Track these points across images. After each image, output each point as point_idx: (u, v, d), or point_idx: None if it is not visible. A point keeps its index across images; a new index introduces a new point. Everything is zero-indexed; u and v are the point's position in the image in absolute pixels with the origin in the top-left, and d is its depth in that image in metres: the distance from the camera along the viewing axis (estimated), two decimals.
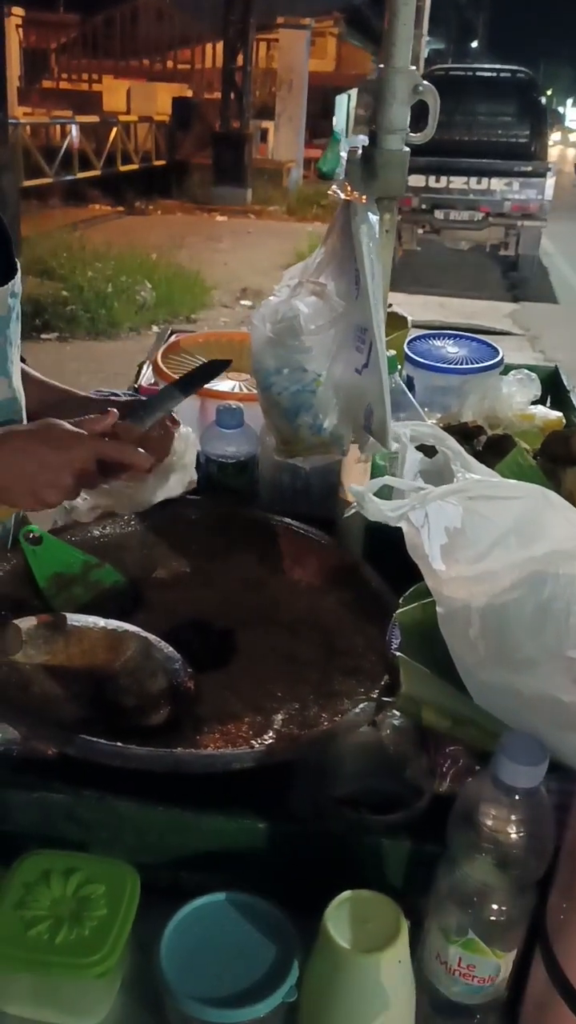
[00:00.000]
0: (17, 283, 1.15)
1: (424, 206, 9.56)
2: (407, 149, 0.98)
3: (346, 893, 0.77)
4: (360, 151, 0.98)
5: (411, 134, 0.98)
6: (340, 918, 0.75)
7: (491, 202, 9.53)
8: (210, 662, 1.03)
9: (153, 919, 0.80)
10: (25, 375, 1.23)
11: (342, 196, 0.93)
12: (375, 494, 0.83)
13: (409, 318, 1.65)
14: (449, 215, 9.69)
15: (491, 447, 1.21)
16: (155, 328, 7.22)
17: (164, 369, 1.44)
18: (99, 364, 6.16)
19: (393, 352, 1.33)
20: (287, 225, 12.33)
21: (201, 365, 1.15)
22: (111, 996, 0.79)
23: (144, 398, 1.05)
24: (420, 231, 9.98)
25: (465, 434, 1.25)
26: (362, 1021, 0.74)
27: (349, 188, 0.94)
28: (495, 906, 0.74)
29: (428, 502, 0.81)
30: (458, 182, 9.46)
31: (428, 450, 1.09)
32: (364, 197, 0.93)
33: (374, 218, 0.95)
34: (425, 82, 0.96)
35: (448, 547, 0.87)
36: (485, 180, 9.47)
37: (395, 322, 1.65)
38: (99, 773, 0.86)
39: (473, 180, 9.48)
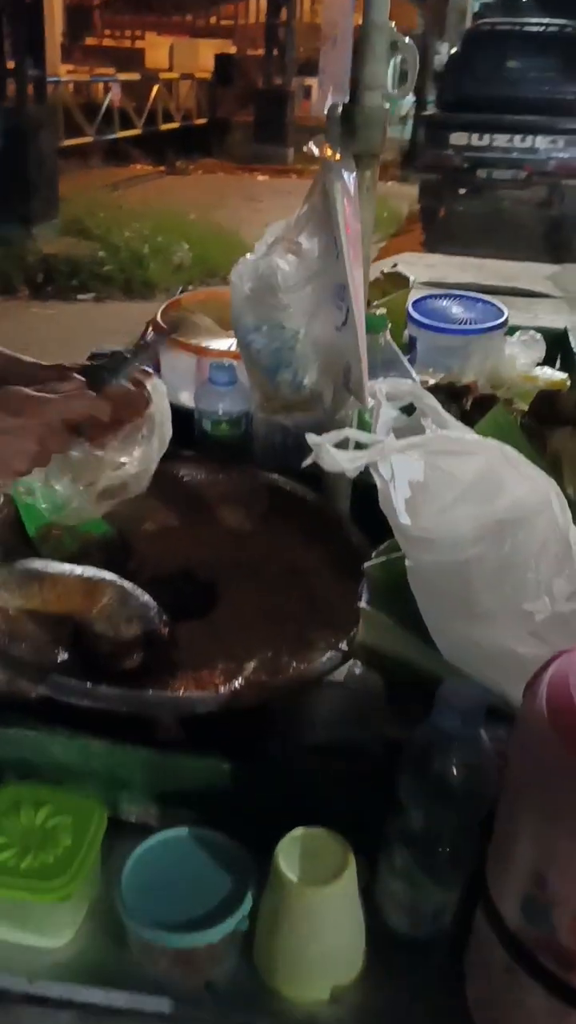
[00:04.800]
0: None
1: (466, 165, 9.38)
2: (387, 106, 0.98)
3: (298, 830, 0.80)
4: (340, 108, 0.98)
5: (391, 90, 0.98)
6: (291, 853, 0.78)
7: (535, 161, 9.31)
8: (191, 612, 1.06)
9: (123, 853, 0.84)
10: None
11: (316, 153, 0.94)
12: (338, 446, 0.84)
13: (412, 278, 1.64)
14: (492, 174, 9.49)
15: (478, 406, 1.21)
16: (191, 289, 7.21)
17: (164, 327, 1.46)
18: (133, 325, 6.17)
19: (384, 311, 1.34)
20: None
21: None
22: (76, 920, 0.84)
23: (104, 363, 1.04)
24: (462, 190, 9.81)
25: (452, 393, 1.26)
26: (309, 949, 0.78)
27: (326, 146, 0.94)
28: (439, 846, 0.77)
29: (387, 455, 0.83)
30: (501, 140, 9.25)
31: (411, 409, 1.10)
32: (339, 154, 0.94)
33: (350, 175, 0.96)
34: (403, 37, 0.96)
35: (412, 501, 0.88)
36: (529, 138, 9.25)
37: (397, 282, 1.66)
38: (82, 716, 0.90)
39: (517, 138, 9.26)
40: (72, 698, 0.88)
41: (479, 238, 9.59)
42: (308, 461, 0.84)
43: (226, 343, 1.44)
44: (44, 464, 0.94)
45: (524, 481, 0.85)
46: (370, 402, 1.00)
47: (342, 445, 0.88)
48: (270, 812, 0.83)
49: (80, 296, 6.82)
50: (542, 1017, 0.67)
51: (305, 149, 0.95)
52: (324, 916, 0.77)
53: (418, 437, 0.84)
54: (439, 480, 0.87)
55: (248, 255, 1.04)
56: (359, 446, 0.88)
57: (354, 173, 0.96)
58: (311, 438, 0.82)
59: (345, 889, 0.77)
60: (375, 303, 1.51)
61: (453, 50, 10.84)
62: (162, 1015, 0.80)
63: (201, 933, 0.77)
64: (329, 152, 0.93)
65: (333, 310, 1.03)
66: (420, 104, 12.47)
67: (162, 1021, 0.81)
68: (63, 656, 0.96)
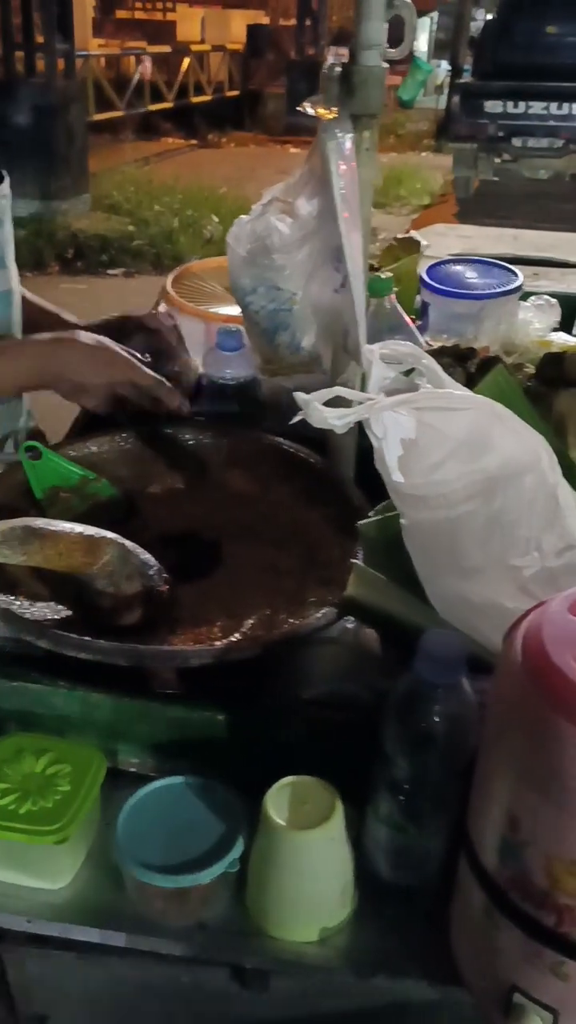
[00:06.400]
0: (6, 186, 1.22)
1: (501, 133, 9.23)
2: (386, 65, 0.98)
3: (288, 778, 0.82)
4: (338, 68, 0.98)
5: (389, 49, 0.98)
6: (280, 800, 0.81)
7: (571, 128, 9.14)
8: (193, 571, 1.08)
9: (122, 800, 0.87)
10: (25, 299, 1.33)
11: (311, 113, 0.94)
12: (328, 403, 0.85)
13: (423, 243, 1.64)
14: (527, 142, 9.33)
15: (483, 369, 1.21)
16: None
17: (172, 295, 1.48)
18: None
19: (390, 274, 1.34)
20: None
21: None
22: (75, 864, 0.87)
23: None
24: (497, 160, 9.67)
25: (458, 356, 1.26)
26: (296, 892, 0.81)
27: (322, 107, 0.95)
28: (422, 793, 0.78)
29: (376, 411, 0.84)
30: (537, 107, 9.08)
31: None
32: (334, 113, 0.94)
33: (347, 135, 0.96)
34: None
35: (404, 459, 0.89)
36: (566, 105, 9.07)
37: (409, 247, 1.65)
38: (86, 670, 0.93)
39: (553, 105, 9.08)
40: (72, 651, 0.90)
41: (514, 209, 9.45)
42: (297, 418, 0.85)
43: (235, 309, 1.45)
44: (103, 410, 1.19)
45: (514, 438, 0.86)
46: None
47: (341, 404, 0.89)
48: (264, 762, 0.85)
49: (110, 271, 6.85)
50: (516, 955, 0.69)
51: (299, 108, 0.95)
52: (310, 859, 0.79)
53: (407, 394, 0.85)
54: (430, 437, 0.87)
55: (243, 217, 1.04)
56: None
57: (351, 134, 0.97)
58: (299, 396, 0.83)
59: (331, 834, 0.79)
60: (383, 268, 1.51)
61: (490, 16, 10.65)
62: (156, 953, 0.83)
63: (193, 875, 0.80)
64: (322, 111, 0.94)
65: (331, 272, 1.04)
66: (455, 72, 12.28)
67: (156, 959, 0.84)
68: (66, 612, 0.99)
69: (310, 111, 0.94)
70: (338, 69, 0.99)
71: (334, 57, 0.99)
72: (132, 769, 0.95)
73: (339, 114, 0.96)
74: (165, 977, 0.92)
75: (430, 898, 0.83)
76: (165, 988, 0.94)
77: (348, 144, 0.95)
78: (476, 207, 9.43)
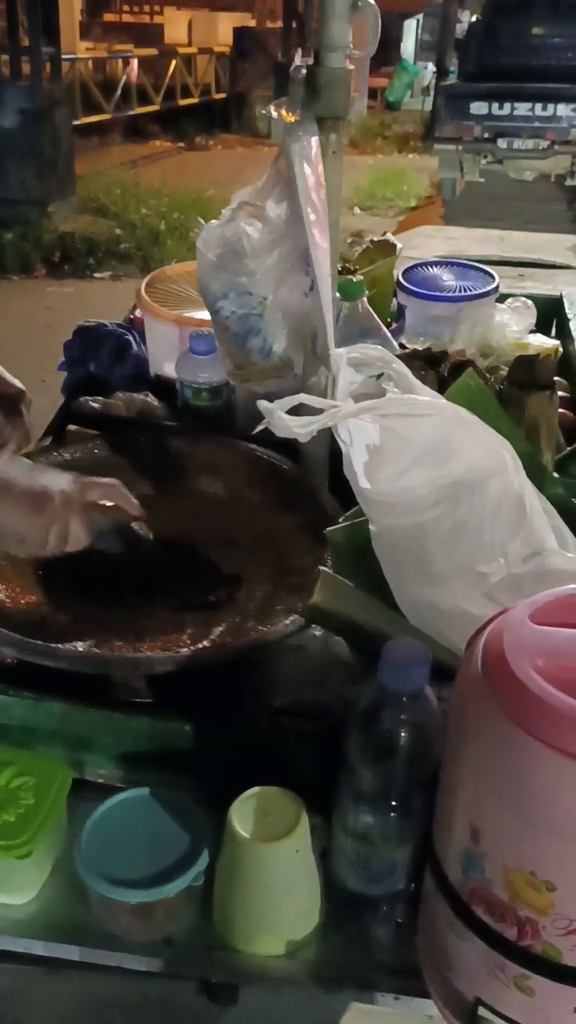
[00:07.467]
0: None
1: (487, 135, 9.24)
2: (351, 67, 0.97)
3: (253, 789, 0.81)
4: (303, 71, 0.97)
5: (354, 50, 0.97)
6: (245, 811, 0.80)
7: (557, 129, 9.15)
8: (164, 578, 1.07)
9: (89, 812, 0.86)
10: None
11: (274, 116, 0.93)
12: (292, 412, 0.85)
13: (399, 246, 1.63)
14: (513, 144, 9.34)
15: (455, 372, 1.21)
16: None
17: (146, 299, 1.47)
18: None
19: (361, 277, 1.33)
20: (349, 159, 11.98)
21: None
22: (40, 878, 0.86)
23: None
24: (483, 161, 9.67)
25: (430, 360, 1.25)
26: (261, 905, 0.80)
27: (285, 110, 0.94)
28: (388, 804, 0.77)
29: (340, 419, 0.83)
30: (522, 108, 9.09)
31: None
32: (297, 116, 0.93)
33: (312, 138, 0.95)
34: None
35: (370, 465, 0.88)
36: (551, 106, 9.08)
37: (384, 250, 1.65)
38: (54, 679, 0.92)
39: (538, 106, 9.10)
40: (37, 659, 0.89)
41: (500, 210, 9.46)
42: (260, 427, 0.84)
43: (206, 313, 1.44)
44: None
45: (478, 443, 0.85)
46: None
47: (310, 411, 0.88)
48: (232, 772, 0.84)
49: (97, 274, 6.82)
50: (480, 968, 0.68)
51: (263, 111, 0.94)
52: (275, 872, 0.78)
53: (370, 400, 0.84)
54: (394, 444, 0.87)
55: (213, 222, 1.04)
56: None
57: (316, 136, 0.96)
58: (262, 404, 0.82)
59: (296, 846, 0.78)
60: (359, 270, 1.50)
61: (475, 18, 10.68)
62: (122, 969, 0.82)
63: (157, 889, 0.79)
64: (285, 114, 0.93)
65: (301, 276, 1.03)
66: (441, 74, 12.32)
67: (124, 974, 0.83)
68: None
69: (274, 114, 0.94)
70: (303, 71, 0.99)
71: (300, 59, 0.99)
72: (99, 780, 0.93)
73: (304, 116, 0.95)
74: (133, 991, 0.91)
75: (397, 910, 0.82)
76: (134, 1002, 0.92)
77: (313, 147, 0.94)
78: (462, 209, 9.44)
